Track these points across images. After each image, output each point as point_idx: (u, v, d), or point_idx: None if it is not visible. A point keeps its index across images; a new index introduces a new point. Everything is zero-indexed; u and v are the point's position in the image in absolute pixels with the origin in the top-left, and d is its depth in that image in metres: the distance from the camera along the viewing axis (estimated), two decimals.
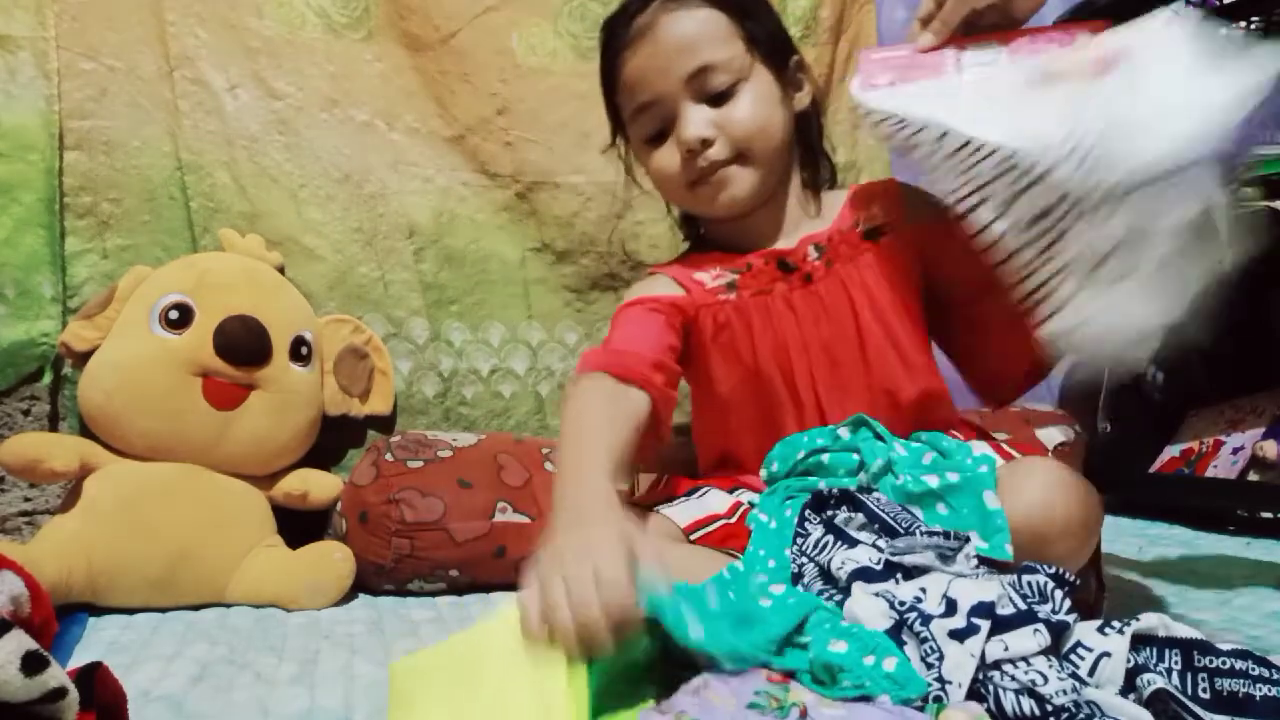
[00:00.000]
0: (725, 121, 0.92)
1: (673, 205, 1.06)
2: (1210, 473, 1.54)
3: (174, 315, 1.14)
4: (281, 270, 1.31)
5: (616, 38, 0.96)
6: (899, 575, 0.65)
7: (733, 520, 0.90)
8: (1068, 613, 0.60)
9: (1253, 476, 1.49)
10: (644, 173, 1.03)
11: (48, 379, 1.22)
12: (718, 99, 0.93)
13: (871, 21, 1.64)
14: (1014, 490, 0.77)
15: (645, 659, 0.51)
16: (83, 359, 1.15)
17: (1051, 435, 1.58)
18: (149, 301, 1.15)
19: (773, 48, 0.96)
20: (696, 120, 0.92)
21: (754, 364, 0.95)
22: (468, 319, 1.44)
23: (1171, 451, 1.65)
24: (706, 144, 0.92)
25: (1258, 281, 1.79)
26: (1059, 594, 0.61)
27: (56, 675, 0.46)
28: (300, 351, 1.22)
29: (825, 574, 0.70)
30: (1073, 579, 0.63)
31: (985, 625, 0.57)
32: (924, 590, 0.62)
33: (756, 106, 0.93)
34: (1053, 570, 0.63)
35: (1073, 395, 1.81)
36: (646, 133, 0.97)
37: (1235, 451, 1.54)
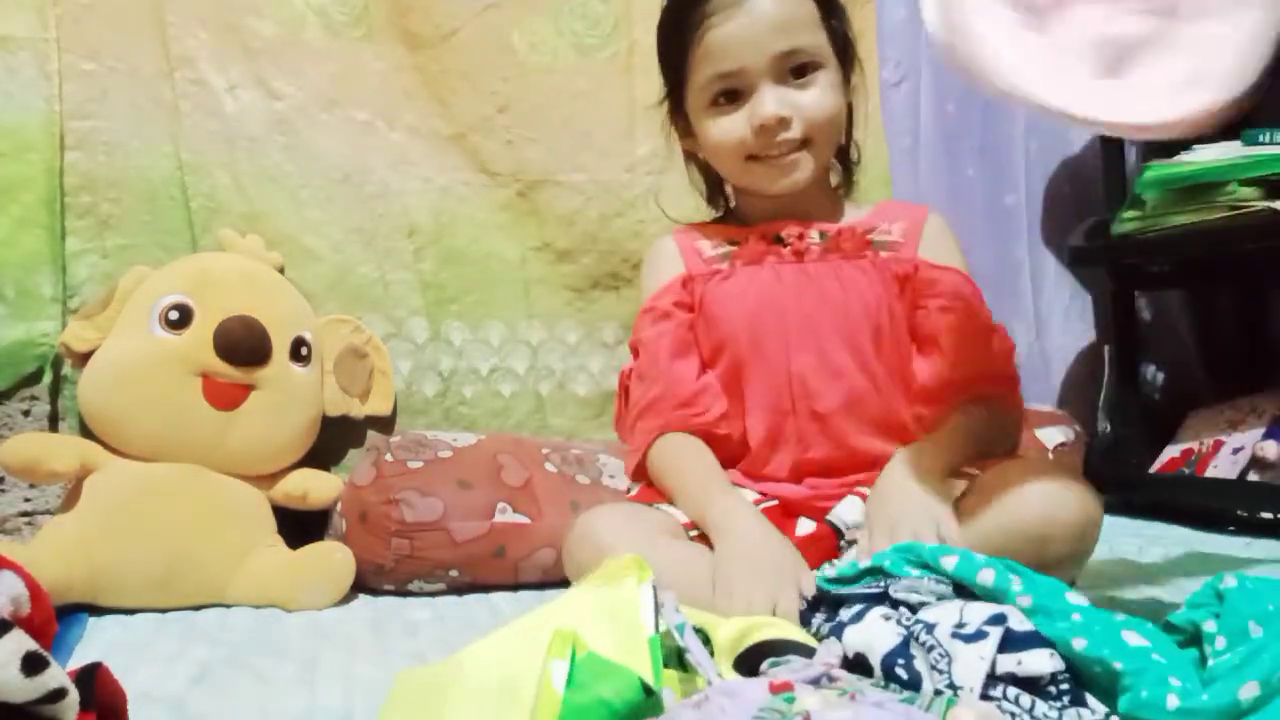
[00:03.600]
0: (801, 105, 0.96)
1: (725, 175, 1.08)
2: (1210, 473, 1.54)
3: (174, 315, 1.14)
4: (281, 270, 1.31)
5: (704, 3, 0.98)
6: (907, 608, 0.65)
7: None
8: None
9: (1253, 476, 1.49)
10: (678, 142, 1.08)
11: (48, 379, 1.22)
12: (795, 83, 0.96)
13: (872, 20, 1.64)
14: (1016, 490, 0.78)
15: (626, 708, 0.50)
16: (83, 359, 1.15)
17: (1051, 435, 1.58)
18: (149, 302, 1.15)
19: (844, 45, 1.01)
20: (777, 99, 0.95)
21: (731, 328, 0.97)
22: (468, 318, 1.44)
23: (1171, 451, 1.65)
24: (784, 123, 0.95)
25: (1258, 281, 1.80)
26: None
27: (56, 675, 0.46)
28: (300, 351, 1.22)
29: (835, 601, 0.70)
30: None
31: (996, 632, 0.57)
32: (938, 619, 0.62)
33: (829, 95, 0.97)
34: None
35: (1072, 395, 1.81)
36: (716, 100, 0.99)
37: (1235, 451, 1.53)
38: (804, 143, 0.97)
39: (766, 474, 0.96)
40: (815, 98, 0.96)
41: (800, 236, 0.99)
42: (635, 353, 1.02)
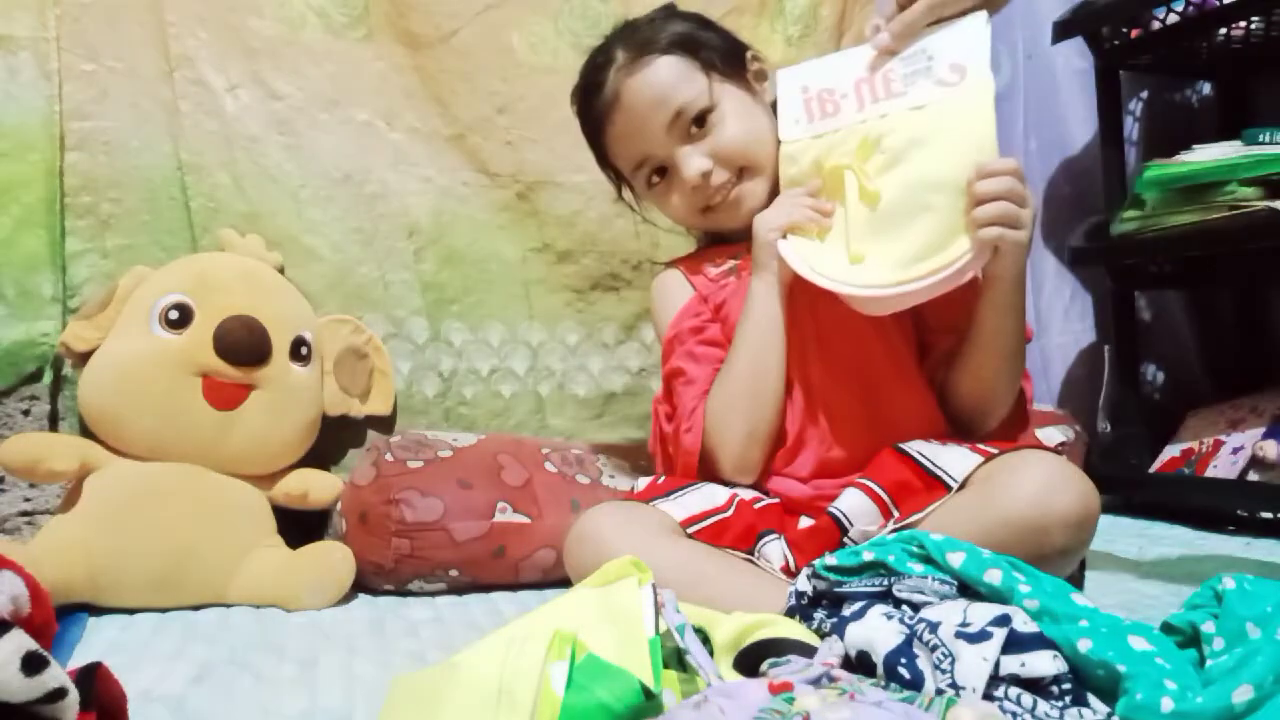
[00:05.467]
0: (716, 149, 0.99)
1: (696, 228, 1.13)
2: (1210, 473, 1.54)
3: (174, 315, 1.14)
4: (281, 270, 1.31)
5: (591, 111, 1.05)
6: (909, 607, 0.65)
7: (729, 514, 0.91)
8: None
9: (1253, 476, 1.49)
10: (651, 208, 1.12)
11: (48, 379, 1.22)
12: (702, 131, 0.99)
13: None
14: (1013, 482, 0.78)
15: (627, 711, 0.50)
16: (83, 359, 1.15)
17: (1051, 435, 1.58)
18: (149, 301, 1.15)
19: (729, 61, 1.02)
20: (690, 159, 0.99)
21: None
22: (468, 319, 1.44)
23: (1171, 451, 1.65)
24: (707, 176, 0.99)
25: (1258, 281, 1.80)
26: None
27: (56, 675, 0.46)
28: (300, 351, 1.22)
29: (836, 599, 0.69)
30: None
31: (1000, 633, 0.57)
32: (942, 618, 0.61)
33: (737, 123, 1.00)
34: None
35: (1072, 395, 1.81)
36: (650, 181, 1.04)
37: (1235, 451, 1.54)
38: (741, 173, 1.00)
39: (788, 473, 0.96)
40: (722, 136, 0.99)
41: None
42: (667, 383, 1.03)
